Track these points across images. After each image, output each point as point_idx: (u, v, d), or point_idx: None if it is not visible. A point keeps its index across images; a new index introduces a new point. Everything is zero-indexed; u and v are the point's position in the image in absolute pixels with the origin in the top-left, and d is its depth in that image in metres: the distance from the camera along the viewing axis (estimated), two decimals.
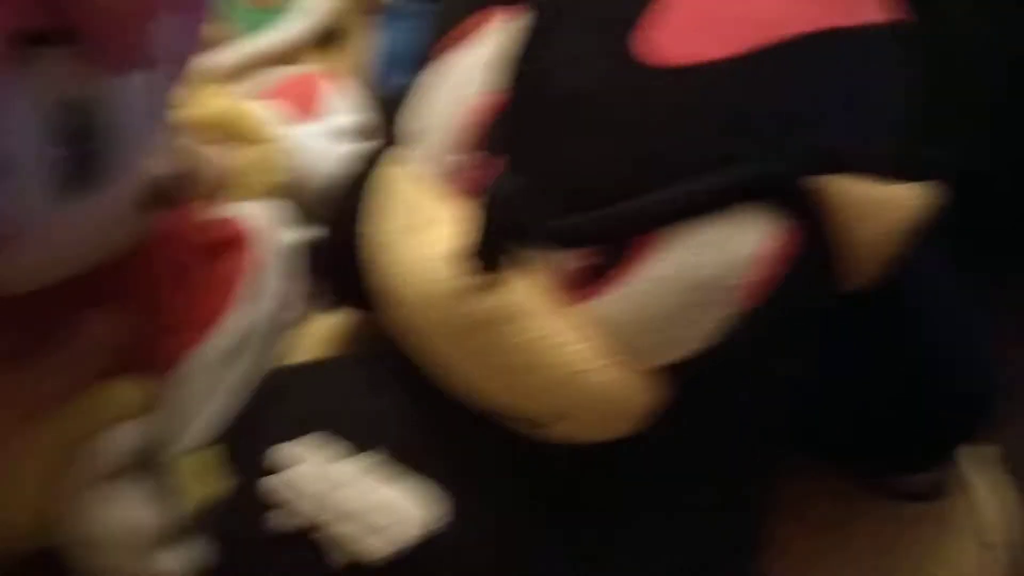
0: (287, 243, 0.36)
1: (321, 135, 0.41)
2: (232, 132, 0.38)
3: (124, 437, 0.29)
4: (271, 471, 0.25)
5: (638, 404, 0.24)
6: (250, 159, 0.38)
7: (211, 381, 0.33)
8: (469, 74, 0.25)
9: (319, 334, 0.35)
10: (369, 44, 0.59)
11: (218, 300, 0.34)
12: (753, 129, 0.22)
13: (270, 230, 0.35)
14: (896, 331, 0.26)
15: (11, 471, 0.28)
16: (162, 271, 0.33)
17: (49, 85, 0.22)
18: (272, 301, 0.35)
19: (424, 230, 0.24)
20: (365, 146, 0.31)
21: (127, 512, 0.29)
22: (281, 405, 0.28)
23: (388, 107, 0.28)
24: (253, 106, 0.39)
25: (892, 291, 0.24)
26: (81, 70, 0.23)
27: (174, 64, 0.26)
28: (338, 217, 0.31)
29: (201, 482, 0.30)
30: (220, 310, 0.34)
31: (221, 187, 0.37)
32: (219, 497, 0.28)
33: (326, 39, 0.61)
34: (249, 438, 0.27)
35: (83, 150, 0.24)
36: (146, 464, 0.30)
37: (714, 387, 0.24)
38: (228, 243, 0.35)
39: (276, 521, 0.25)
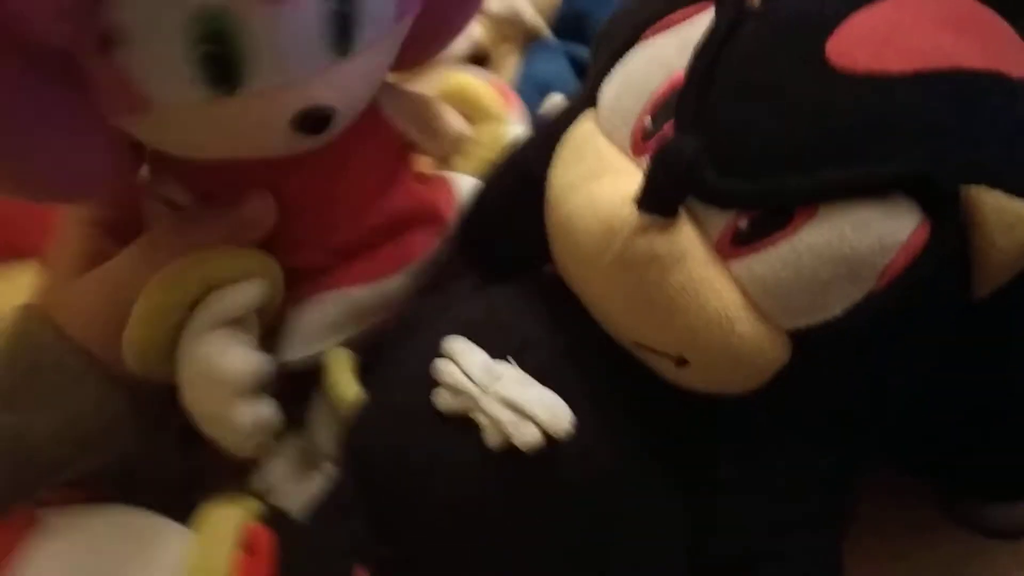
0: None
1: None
2: (470, 107, 0.42)
3: (241, 293, 0.33)
4: (439, 356, 0.29)
5: (767, 361, 0.26)
6: (482, 134, 0.42)
7: (340, 322, 0.37)
8: (667, 54, 0.29)
9: None
10: (512, 69, 0.65)
11: (394, 256, 0.38)
12: (921, 133, 0.25)
13: (463, 205, 0.39)
14: (1005, 351, 0.28)
15: (147, 297, 0.32)
16: (356, 200, 0.37)
17: None
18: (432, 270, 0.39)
19: (610, 176, 0.28)
20: (565, 103, 0.35)
21: (224, 359, 0.32)
22: (450, 313, 0.32)
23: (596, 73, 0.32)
24: (489, 87, 0.43)
25: (1006, 308, 0.27)
26: None
27: None
28: (521, 163, 0.34)
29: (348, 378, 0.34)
30: (390, 266, 0.38)
31: (455, 152, 0.41)
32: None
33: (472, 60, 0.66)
34: (422, 332, 0.31)
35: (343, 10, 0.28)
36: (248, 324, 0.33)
37: (829, 358, 0.27)
38: (429, 208, 0.39)
39: (441, 400, 0.28)
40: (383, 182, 0.38)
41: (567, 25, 0.78)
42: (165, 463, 0.36)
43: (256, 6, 0.26)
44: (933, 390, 0.29)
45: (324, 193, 0.36)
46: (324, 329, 0.37)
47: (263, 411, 0.33)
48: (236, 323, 0.33)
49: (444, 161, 0.43)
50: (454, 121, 0.41)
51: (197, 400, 0.32)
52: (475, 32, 0.67)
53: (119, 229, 0.35)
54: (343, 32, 0.28)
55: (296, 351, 0.36)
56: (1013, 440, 0.30)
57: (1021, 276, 0.26)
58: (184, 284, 0.32)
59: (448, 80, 0.44)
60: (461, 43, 0.59)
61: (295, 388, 0.36)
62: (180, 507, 0.32)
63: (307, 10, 0.27)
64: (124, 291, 0.32)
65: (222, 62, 0.27)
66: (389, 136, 0.38)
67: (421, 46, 0.36)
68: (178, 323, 0.32)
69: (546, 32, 0.66)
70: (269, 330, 0.36)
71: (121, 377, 0.33)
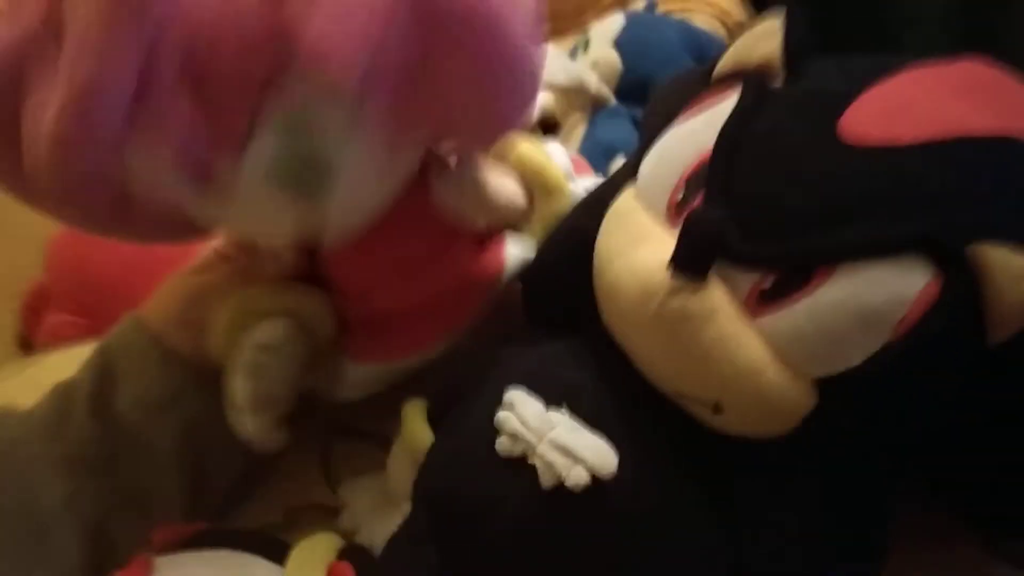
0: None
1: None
2: (532, 178, 0.45)
3: (269, 328, 0.40)
4: (501, 408, 0.32)
5: (795, 407, 0.29)
6: (542, 207, 0.45)
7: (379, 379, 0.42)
8: (698, 132, 0.32)
9: None
10: (580, 135, 0.69)
11: (432, 329, 0.42)
12: (928, 198, 0.27)
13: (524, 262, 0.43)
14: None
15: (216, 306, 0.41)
16: (402, 269, 0.41)
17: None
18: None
19: (648, 243, 0.31)
20: (610, 176, 0.38)
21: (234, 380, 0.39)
22: (512, 365, 0.35)
23: (637, 150, 0.35)
24: (555, 158, 0.46)
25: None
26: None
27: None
28: (568, 232, 0.38)
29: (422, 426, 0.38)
30: (428, 339, 0.42)
31: (511, 223, 0.45)
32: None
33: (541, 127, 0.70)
34: (486, 383, 0.35)
35: None
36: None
37: (852, 404, 0.29)
38: (475, 279, 0.42)
39: (501, 446, 0.32)
40: (432, 254, 0.41)
41: (630, 90, 0.82)
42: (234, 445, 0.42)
43: None
44: (966, 431, 0.31)
45: (366, 262, 0.41)
46: (365, 385, 0.43)
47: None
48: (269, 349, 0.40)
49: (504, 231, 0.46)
50: (510, 195, 0.44)
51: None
52: (544, 101, 0.72)
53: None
54: (312, 172, 0.32)
55: (341, 394, 0.43)
56: None
57: None
58: (240, 310, 0.40)
59: (513, 150, 0.46)
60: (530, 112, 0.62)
61: None
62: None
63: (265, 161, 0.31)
64: (196, 302, 0.42)
65: None
66: (437, 211, 0.41)
67: (466, 142, 0.39)
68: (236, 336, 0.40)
69: (611, 98, 0.70)
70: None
71: (182, 356, 0.41)
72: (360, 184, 0.34)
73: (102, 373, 0.41)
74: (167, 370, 0.41)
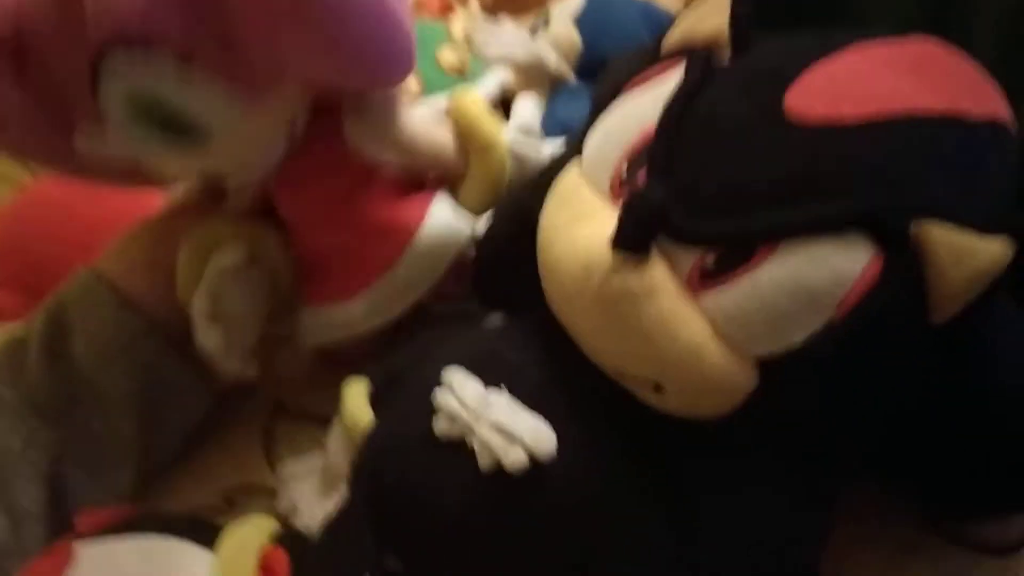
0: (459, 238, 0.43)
1: (520, 135, 0.47)
2: (468, 132, 0.45)
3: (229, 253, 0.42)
4: (439, 386, 0.32)
5: (736, 386, 0.29)
6: (480, 161, 0.45)
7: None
8: (642, 107, 0.32)
9: None
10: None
11: (352, 279, 0.43)
12: (871, 176, 0.27)
13: (447, 226, 0.43)
14: (971, 369, 0.30)
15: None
16: (321, 209, 0.43)
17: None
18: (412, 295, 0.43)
19: (590, 219, 0.31)
20: (555, 153, 0.37)
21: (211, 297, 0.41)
22: (452, 346, 0.35)
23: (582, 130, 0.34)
24: (520, 113, 0.47)
25: (969, 332, 0.28)
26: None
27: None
28: (514, 210, 0.37)
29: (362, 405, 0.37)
30: (347, 289, 0.43)
31: (453, 179, 0.44)
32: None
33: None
34: (426, 364, 0.34)
35: None
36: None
37: (795, 384, 0.29)
38: (399, 225, 0.43)
39: (438, 425, 0.31)
40: (352, 192, 0.42)
41: (589, 68, 0.81)
42: (188, 392, 0.45)
43: None
44: (910, 410, 0.31)
45: (300, 197, 0.43)
46: (319, 331, 0.45)
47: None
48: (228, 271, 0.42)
49: (438, 182, 0.46)
50: (434, 142, 0.44)
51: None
52: (503, 77, 0.71)
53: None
54: (182, 130, 0.36)
55: (303, 342, 0.46)
56: (987, 458, 0.32)
57: (979, 301, 0.27)
58: (202, 240, 0.43)
59: (453, 102, 0.46)
60: (490, 87, 0.62)
61: None
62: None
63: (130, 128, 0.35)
64: (161, 243, 0.44)
65: None
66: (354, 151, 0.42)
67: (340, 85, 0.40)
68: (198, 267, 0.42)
69: (570, 76, 0.69)
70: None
71: (138, 305, 0.43)
72: (235, 128, 0.37)
73: (57, 320, 0.42)
74: (122, 314, 0.42)
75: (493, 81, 0.62)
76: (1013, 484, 0.32)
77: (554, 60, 0.68)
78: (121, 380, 0.42)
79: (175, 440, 0.45)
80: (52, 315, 0.43)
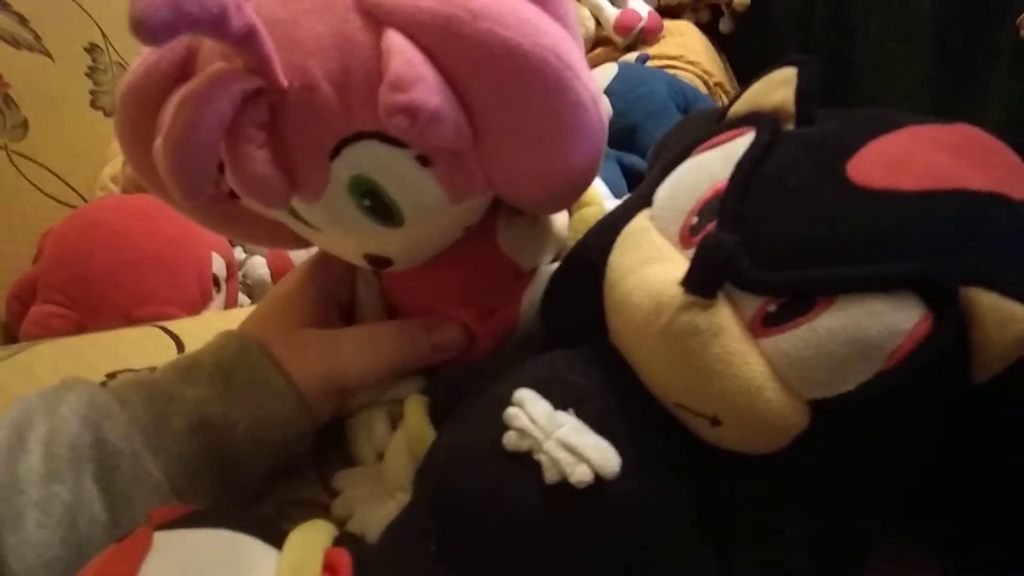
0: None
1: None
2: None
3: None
4: (511, 405, 0.34)
5: (789, 425, 0.31)
6: (580, 219, 0.47)
7: None
8: (713, 165, 0.34)
9: None
10: None
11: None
12: (926, 241, 0.29)
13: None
14: (1008, 427, 0.32)
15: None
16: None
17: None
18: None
19: (661, 262, 0.33)
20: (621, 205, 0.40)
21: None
22: (520, 369, 0.37)
23: (651, 180, 0.37)
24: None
25: (1009, 392, 0.31)
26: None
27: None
28: (585, 252, 0.40)
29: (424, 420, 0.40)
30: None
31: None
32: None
33: None
34: (494, 383, 0.36)
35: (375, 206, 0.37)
36: None
37: (844, 427, 0.31)
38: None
39: (509, 440, 0.33)
40: (486, 290, 0.45)
41: (619, 136, 0.86)
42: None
43: None
44: (940, 464, 0.33)
45: (429, 297, 0.45)
46: None
47: None
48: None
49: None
50: (562, 232, 0.47)
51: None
52: None
53: (334, 299, 0.49)
54: (384, 215, 0.37)
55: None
56: (1017, 515, 0.34)
57: (1017, 364, 0.30)
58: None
59: None
60: None
61: None
62: None
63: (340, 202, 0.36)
64: (342, 363, 0.44)
65: None
66: (501, 259, 0.45)
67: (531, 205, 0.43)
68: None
69: None
70: None
71: (308, 408, 0.42)
72: (429, 223, 0.38)
73: (225, 400, 0.41)
74: (291, 413, 0.42)
75: None
76: None
77: None
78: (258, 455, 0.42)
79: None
80: (212, 378, 0.42)
